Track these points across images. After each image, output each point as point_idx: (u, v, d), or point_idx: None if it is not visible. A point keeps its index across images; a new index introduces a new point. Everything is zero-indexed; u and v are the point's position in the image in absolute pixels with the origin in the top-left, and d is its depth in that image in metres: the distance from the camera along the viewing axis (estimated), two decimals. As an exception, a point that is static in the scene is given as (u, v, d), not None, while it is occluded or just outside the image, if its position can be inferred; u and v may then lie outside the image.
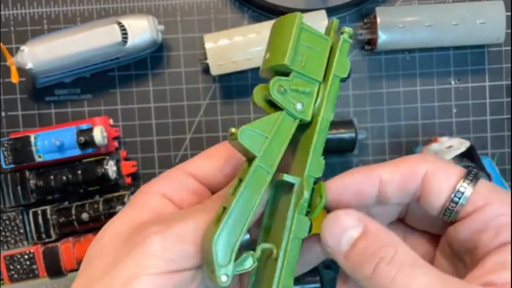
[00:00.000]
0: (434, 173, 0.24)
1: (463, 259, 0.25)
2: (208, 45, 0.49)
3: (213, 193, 0.28)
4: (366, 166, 0.26)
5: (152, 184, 0.27)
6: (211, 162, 0.28)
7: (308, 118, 0.25)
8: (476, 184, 0.24)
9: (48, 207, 0.49)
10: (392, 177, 0.25)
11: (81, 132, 0.48)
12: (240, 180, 0.24)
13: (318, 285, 0.50)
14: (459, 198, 0.24)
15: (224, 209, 0.23)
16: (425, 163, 0.24)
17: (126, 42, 0.49)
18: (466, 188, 0.23)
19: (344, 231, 0.23)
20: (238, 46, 0.49)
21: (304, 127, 0.26)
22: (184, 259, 0.23)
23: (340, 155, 0.53)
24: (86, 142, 0.47)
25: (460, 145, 0.46)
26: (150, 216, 0.25)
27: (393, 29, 0.49)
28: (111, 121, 0.52)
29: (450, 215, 0.24)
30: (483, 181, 0.24)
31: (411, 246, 0.23)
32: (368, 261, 0.22)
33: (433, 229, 0.27)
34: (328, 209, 0.26)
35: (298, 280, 0.50)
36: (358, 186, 0.25)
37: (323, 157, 0.25)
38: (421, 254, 0.25)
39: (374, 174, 0.25)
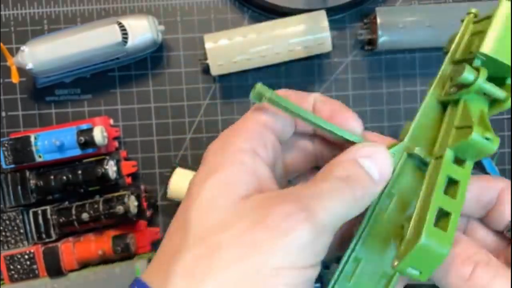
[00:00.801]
0: (510, 190, 0.25)
1: None
2: (208, 45, 0.49)
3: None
4: None
5: (240, 136, 0.25)
6: (281, 113, 0.26)
7: None
8: None
9: (48, 207, 0.49)
10: (472, 185, 0.25)
11: (81, 132, 0.48)
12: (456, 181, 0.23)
13: (318, 285, 0.50)
14: None
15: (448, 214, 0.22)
16: (502, 181, 0.26)
17: (126, 42, 0.49)
18: None
19: (468, 262, 0.23)
20: (238, 46, 0.49)
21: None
22: (324, 250, 0.22)
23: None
24: (86, 142, 0.47)
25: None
26: (253, 179, 0.23)
27: (393, 29, 0.49)
28: (111, 121, 0.53)
29: None
30: None
31: None
32: (465, 264, 0.22)
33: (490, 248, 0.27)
34: None
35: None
36: None
37: None
38: None
39: None
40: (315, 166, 0.29)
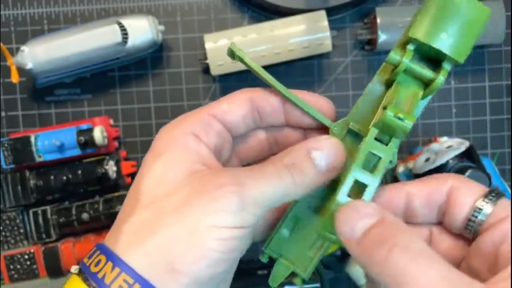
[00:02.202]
0: (459, 187, 0.26)
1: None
2: (208, 45, 0.49)
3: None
4: (396, 183, 0.27)
5: (184, 123, 0.28)
6: (235, 108, 0.29)
7: None
8: (497, 201, 0.24)
9: (48, 207, 0.49)
10: (419, 190, 0.26)
11: (81, 132, 0.48)
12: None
13: (318, 285, 0.50)
14: (479, 213, 0.24)
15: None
16: (451, 179, 0.26)
17: (126, 42, 0.49)
18: (487, 205, 0.24)
19: (360, 218, 0.23)
20: (238, 46, 0.49)
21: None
22: (252, 219, 0.25)
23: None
24: (86, 142, 0.47)
25: (459, 145, 0.46)
26: (196, 158, 0.26)
27: (393, 29, 0.49)
28: (111, 121, 0.52)
29: (472, 228, 0.25)
30: (504, 199, 0.25)
31: None
32: (382, 246, 0.22)
33: (456, 254, 0.27)
34: None
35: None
36: (387, 198, 0.26)
37: None
38: None
39: (402, 188, 0.26)
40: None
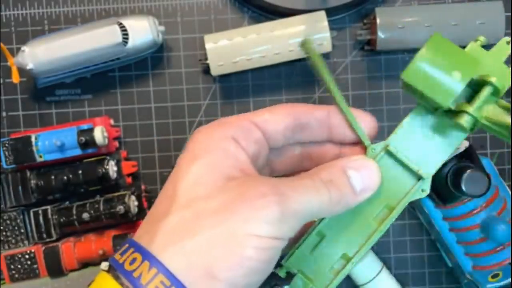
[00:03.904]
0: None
1: None
2: (209, 45, 0.49)
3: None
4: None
5: (225, 126, 0.28)
6: (277, 119, 0.29)
7: None
8: None
9: (49, 207, 0.49)
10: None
11: (81, 132, 0.48)
12: None
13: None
14: None
15: None
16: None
17: (126, 42, 0.49)
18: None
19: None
20: (238, 46, 0.49)
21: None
22: (290, 231, 0.25)
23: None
24: (87, 142, 0.47)
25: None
26: (234, 163, 0.26)
27: (393, 29, 0.49)
28: (111, 121, 0.53)
29: None
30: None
31: None
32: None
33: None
34: None
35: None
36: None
37: None
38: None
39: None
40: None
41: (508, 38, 0.29)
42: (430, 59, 0.26)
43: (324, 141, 0.30)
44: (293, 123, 0.29)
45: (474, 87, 0.27)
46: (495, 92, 0.26)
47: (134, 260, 0.24)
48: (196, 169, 0.26)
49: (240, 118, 0.28)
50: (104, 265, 0.25)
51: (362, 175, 0.27)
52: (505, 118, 0.26)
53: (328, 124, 0.29)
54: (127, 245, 0.25)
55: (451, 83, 0.26)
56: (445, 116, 0.28)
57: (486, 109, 0.26)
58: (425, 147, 0.29)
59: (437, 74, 0.26)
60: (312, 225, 0.29)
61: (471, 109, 0.26)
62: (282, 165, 0.31)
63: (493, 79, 0.26)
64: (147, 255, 0.24)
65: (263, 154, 0.29)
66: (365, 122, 0.29)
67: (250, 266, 0.24)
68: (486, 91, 0.26)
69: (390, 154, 0.29)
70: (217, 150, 0.27)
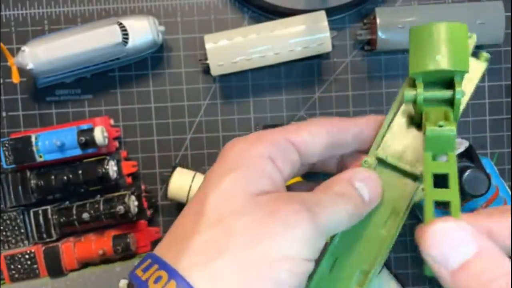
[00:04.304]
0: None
1: None
2: (209, 45, 0.49)
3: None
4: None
5: (262, 143, 0.27)
6: (316, 141, 0.29)
7: None
8: None
9: (49, 207, 0.49)
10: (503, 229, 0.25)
11: (81, 132, 0.48)
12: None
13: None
14: None
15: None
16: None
17: (126, 42, 0.49)
18: None
19: (456, 247, 0.21)
20: (238, 46, 0.49)
21: None
22: (319, 251, 0.24)
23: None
24: (87, 142, 0.47)
25: (459, 145, 0.46)
26: (268, 182, 0.26)
27: (393, 29, 0.49)
28: (111, 121, 0.53)
29: None
30: None
31: None
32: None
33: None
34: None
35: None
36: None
37: None
38: None
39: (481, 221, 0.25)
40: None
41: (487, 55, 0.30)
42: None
43: (353, 152, 0.31)
44: (330, 142, 0.29)
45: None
46: (452, 101, 0.28)
47: (159, 278, 0.22)
48: (228, 183, 0.25)
49: (279, 136, 0.28)
50: (123, 283, 0.24)
51: (367, 185, 0.28)
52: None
53: (361, 138, 0.30)
54: (149, 261, 0.24)
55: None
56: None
57: (436, 106, 0.28)
58: (415, 146, 0.29)
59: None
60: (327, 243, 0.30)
61: (420, 90, 0.28)
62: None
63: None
64: (173, 274, 0.22)
65: (295, 172, 0.29)
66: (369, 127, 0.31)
67: None
68: (444, 93, 0.28)
69: (382, 161, 0.29)
70: (252, 167, 0.26)
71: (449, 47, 0.26)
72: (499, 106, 0.53)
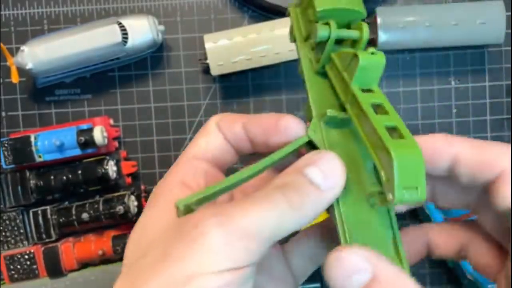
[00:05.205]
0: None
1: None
2: (208, 45, 0.49)
3: (221, 169, 0.28)
4: (443, 135, 0.25)
5: (172, 172, 0.26)
6: (215, 141, 0.27)
7: None
8: None
9: (48, 207, 0.49)
10: (471, 156, 0.24)
11: (81, 132, 0.48)
12: None
13: (318, 285, 0.50)
14: None
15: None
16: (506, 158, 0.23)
17: (126, 42, 0.49)
18: None
19: (351, 274, 0.21)
20: (238, 46, 0.49)
21: None
22: (247, 256, 0.21)
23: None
24: (86, 142, 0.47)
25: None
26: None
27: (394, 29, 0.49)
28: (111, 121, 0.52)
29: None
30: None
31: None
32: None
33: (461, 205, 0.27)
34: None
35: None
36: (433, 151, 0.24)
37: None
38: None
39: (452, 145, 0.24)
40: None
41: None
42: None
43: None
44: (229, 136, 0.27)
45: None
46: (358, 42, 0.27)
47: None
48: (138, 227, 0.24)
49: (182, 158, 0.27)
50: None
51: (321, 167, 0.23)
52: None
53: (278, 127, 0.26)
54: None
55: None
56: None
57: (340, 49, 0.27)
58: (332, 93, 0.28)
59: None
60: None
61: (333, 25, 0.26)
62: (256, 185, 0.28)
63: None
64: None
65: (211, 179, 0.26)
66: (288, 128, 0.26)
67: None
68: (353, 32, 0.27)
69: (329, 121, 0.26)
70: (162, 200, 0.24)
71: None
72: (499, 106, 0.53)
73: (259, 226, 0.21)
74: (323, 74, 0.28)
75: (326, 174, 0.23)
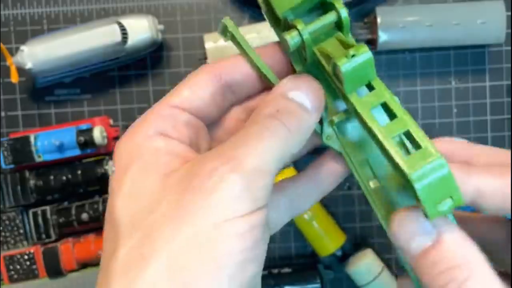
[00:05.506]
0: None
1: None
2: (208, 44, 0.49)
3: (204, 122, 0.25)
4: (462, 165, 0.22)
5: (144, 125, 0.23)
6: (199, 91, 0.24)
7: None
8: None
9: (48, 207, 0.49)
10: (497, 190, 0.21)
11: (81, 132, 0.48)
12: None
13: (318, 285, 0.50)
14: None
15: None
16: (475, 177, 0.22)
17: (126, 42, 0.49)
18: None
19: (414, 235, 0.21)
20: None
21: None
22: (265, 192, 0.21)
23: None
24: (86, 142, 0.47)
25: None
26: (172, 158, 0.22)
27: (394, 29, 0.49)
28: (110, 121, 0.52)
29: None
30: None
31: None
32: (437, 278, 0.20)
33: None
34: None
35: (298, 280, 0.50)
36: None
37: None
38: None
39: (471, 175, 0.22)
40: None
41: None
42: None
43: (260, 91, 0.26)
44: (218, 87, 0.25)
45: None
46: (339, 23, 0.24)
47: None
48: (129, 181, 0.22)
49: (160, 107, 0.24)
50: None
51: (305, 91, 0.23)
52: (337, 54, 0.22)
53: (256, 75, 0.26)
54: None
55: None
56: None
57: (325, 41, 0.24)
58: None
59: None
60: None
61: (301, 26, 0.23)
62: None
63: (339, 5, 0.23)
64: None
65: (202, 134, 0.25)
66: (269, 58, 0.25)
67: (235, 261, 0.19)
68: (328, 17, 0.24)
69: (339, 123, 0.25)
70: (145, 153, 0.22)
71: None
72: (499, 106, 0.53)
73: (268, 160, 0.21)
74: (317, 67, 0.26)
75: (309, 96, 0.24)
